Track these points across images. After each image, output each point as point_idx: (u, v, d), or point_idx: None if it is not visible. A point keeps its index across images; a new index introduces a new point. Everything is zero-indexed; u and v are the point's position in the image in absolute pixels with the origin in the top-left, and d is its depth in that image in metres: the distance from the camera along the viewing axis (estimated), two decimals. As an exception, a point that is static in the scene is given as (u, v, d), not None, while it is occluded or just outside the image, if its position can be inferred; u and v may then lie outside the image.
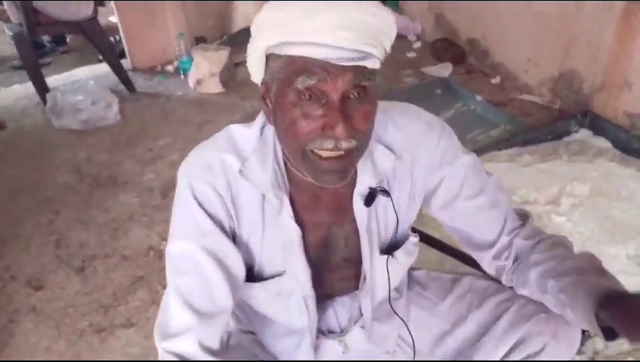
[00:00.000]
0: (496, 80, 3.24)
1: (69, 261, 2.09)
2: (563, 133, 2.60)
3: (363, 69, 0.76)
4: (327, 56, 0.73)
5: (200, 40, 3.78)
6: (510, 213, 1.03)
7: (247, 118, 3.08)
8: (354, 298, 1.08)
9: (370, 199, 0.92)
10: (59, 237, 2.22)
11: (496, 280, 1.09)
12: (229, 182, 0.88)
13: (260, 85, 0.86)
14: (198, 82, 3.35)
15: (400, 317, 1.09)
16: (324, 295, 1.04)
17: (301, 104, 0.77)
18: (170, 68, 3.72)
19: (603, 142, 2.52)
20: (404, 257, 1.03)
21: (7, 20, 3.18)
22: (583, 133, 2.60)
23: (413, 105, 1.01)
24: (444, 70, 3.31)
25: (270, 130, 0.90)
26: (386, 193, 0.93)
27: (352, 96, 0.77)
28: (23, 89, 3.49)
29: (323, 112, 0.76)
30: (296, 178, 0.90)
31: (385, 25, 0.77)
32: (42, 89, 3.21)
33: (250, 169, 0.88)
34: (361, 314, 1.08)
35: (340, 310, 1.10)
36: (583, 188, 2.16)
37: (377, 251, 0.99)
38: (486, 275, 1.12)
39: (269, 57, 0.80)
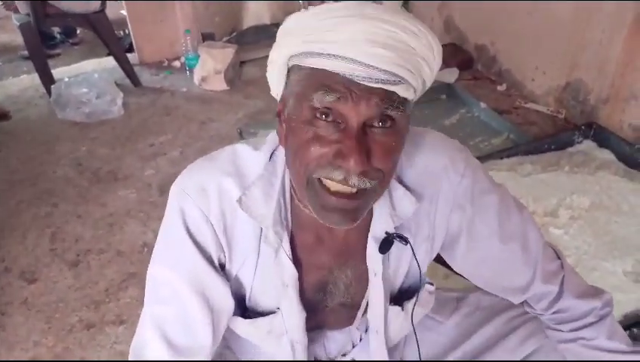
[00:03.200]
0: (502, 87, 3.21)
1: (64, 255, 2.09)
2: (566, 144, 2.56)
3: (393, 96, 0.65)
4: (353, 73, 0.63)
5: (208, 36, 3.77)
6: (544, 255, 0.92)
7: (251, 118, 3.06)
8: (344, 333, 1.02)
9: (386, 246, 0.82)
10: (55, 230, 2.23)
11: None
12: (224, 210, 0.79)
13: (278, 102, 0.77)
14: (203, 79, 3.35)
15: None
16: (313, 328, 0.96)
17: (316, 124, 0.67)
18: (177, 63, 3.72)
19: (607, 155, 2.48)
20: (418, 308, 0.93)
21: (17, 11, 3.20)
22: (587, 145, 2.56)
23: (431, 130, 0.88)
24: (450, 75, 3.29)
25: (281, 155, 0.80)
26: (405, 240, 0.82)
27: (375, 125, 0.67)
28: (30, 79, 3.52)
29: (338, 138, 0.66)
30: (301, 214, 0.81)
31: (427, 50, 0.66)
32: (48, 80, 3.22)
33: (252, 199, 0.78)
34: (353, 346, 1.03)
35: (329, 343, 1.04)
36: (582, 200, 2.13)
37: (387, 301, 0.90)
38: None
39: (290, 70, 0.71)
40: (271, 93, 0.80)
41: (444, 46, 3.35)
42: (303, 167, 0.69)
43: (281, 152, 0.80)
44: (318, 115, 0.66)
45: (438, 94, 3.14)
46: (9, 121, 3.06)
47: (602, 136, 2.54)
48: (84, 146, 2.81)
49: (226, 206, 0.79)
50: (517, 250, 0.89)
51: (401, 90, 0.66)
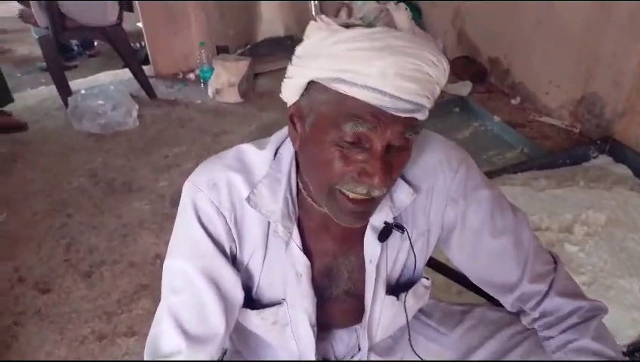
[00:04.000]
0: (516, 100, 3.19)
1: (78, 266, 2.11)
2: (582, 159, 2.54)
3: (413, 121, 0.72)
4: (383, 105, 0.68)
5: (222, 49, 3.81)
6: (535, 255, 0.94)
7: (264, 130, 3.08)
8: (351, 332, 1.05)
9: (384, 235, 0.88)
10: (70, 241, 2.25)
11: (509, 311, 1.02)
12: (234, 203, 0.84)
13: (289, 105, 0.81)
14: (217, 91, 3.38)
15: (418, 356, 1.04)
16: (321, 325, 1.00)
17: (342, 146, 0.72)
18: (191, 76, 3.76)
19: (623, 170, 2.46)
20: (413, 301, 0.98)
21: (36, 24, 3.26)
22: (603, 160, 2.54)
23: (430, 131, 0.95)
24: (463, 88, 3.28)
25: (286, 152, 0.86)
26: (402, 229, 0.88)
27: (395, 144, 0.73)
28: (48, 91, 3.58)
29: (363, 158, 0.72)
30: (307, 205, 0.86)
31: (442, 76, 0.72)
32: (65, 92, 3.27)
33: (260, 196, 0.83)
34: (359, 349, 1.05)
35: (337, 343, 1.07)
36: (598, 216, 2.10)
37: (383, 290, 0.94)
38: (498, 306, 1.06)
39: (312, 84, 0.74)
40: (280, 95, 0.82)
41: (457, 59, 3.35)
42: (326, 180, 0.75)
43: (285, 150, 0.86)
44: (346, 139, 0.72)
45: (451, 107, 3.14)
46: (26, 132, 3.11)
47: (618, 151, 2.51)
48: (99, 157, 2.84)
49: (235, 199, 0.84)
50: (507, 246, 0.92)
51: (420, 116, 0.72)
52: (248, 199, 0.83)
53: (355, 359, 1.07)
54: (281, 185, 0.84)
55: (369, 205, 0.77)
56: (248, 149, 0.88)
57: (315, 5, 3.75)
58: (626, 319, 1.69)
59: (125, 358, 1.71)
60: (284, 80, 0.79)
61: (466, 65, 3.49)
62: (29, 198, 2.52)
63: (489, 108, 3.02)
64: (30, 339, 1.80)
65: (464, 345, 1.05)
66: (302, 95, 0.76)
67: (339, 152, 0.72)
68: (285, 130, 0.87)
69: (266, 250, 0.88)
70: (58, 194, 2.55)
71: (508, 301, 0.98)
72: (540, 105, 3.08)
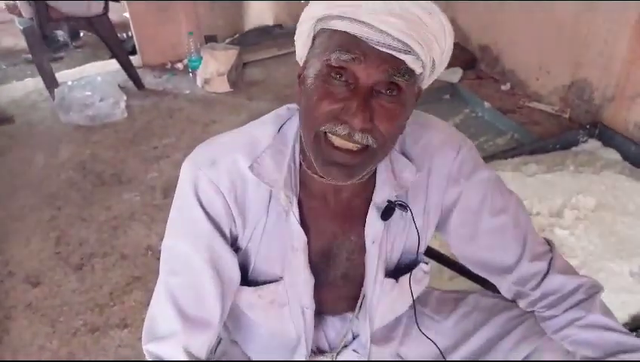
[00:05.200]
0: (506, 87, 3.19)
1: (68, 258, 2.10)
2: (571, 143, 2.55)
3: (401, 64, 0.71)
4: (369, 37, 0.69)
5: (210, 38, 3.78)
6: (533, 236, 0.95)
7: (254, 119, 3.07)
8: (344, 320, 1.04)
9: (387, 213, 0.87)
10: (59, 234, 2.23)
11: (503, 297, 1.02)
12: (234, 181, 0.84)
13: (301, 65, 0.82)
14: (206, 81, 3.35)
15: (433, 342, 1.02)
16: (315, 312, 0.99)
17: (329, 82, 0.73)
18: (179, 66, 3.72)
19: (612, 154, 2.47)
20: (413, 284, 0.96)
21: (20, 15, 3.20)
22: (592, 144, 2.55)
23: (430, 115, 0.95)
24: (453, 75, 3.27)
25: (290, 128, 0.87)
26: (405, 208, 0.87)
27: (382, 91, 0.72)
28: (34, 83, 3.52)
29: (347, 95, 0.72)
30: (308, 180, 0.86)
31: (439, 28, 0.73)
32: (51, 84, 3.23)
33: (263, 165, 0.83)
34: (353, 338, 1.04)
35: (329, 330, 1.06)
36: (588, 201, 2.11)
37: (382, 273, 0.94)
38: (492, 292, 1.07)
39: (316, 35, 0.77)
40: (296, 58, 0.84)
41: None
42: (312, 120, 0.75)
43: (290, 125, 0.87)
44: (332, 74, 0.72)
45: (441, 94, 3.13)
46: (13, 125, 3.07)
47: (607, 136, 2.53)
48: (87, 149, 2.81)
49: (235, 177, 0.84)
50: (507, 225, 0.93)
51: (409, 61, 0.71)
52: (252, 168, 0.83)
53: (349, 348, 1.06)
54: (285, 156, 0.84)
55: (355, 157, 0.75)
56: (250, 127, 0.89)
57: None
58: (616, 301, 1.70)
59: (119, 350, 1.71)
60: (296, 33, 0.81)
61: (456, 53, 3.43)
62: (17, 191, 2.50)
63: (479, 95, 3.02)
64: (22, 333, 1.78)
65: (459, 332, 1.05)
66: (309, 50, 0.79)
67: (325, 88, 0.73)
68: (287, 107, 0.89)
69: (265, 226, 0.87)
70: (47, 187, 2.52)
71: (506, 284, 0.97)
72: (529, 92, 3.08)
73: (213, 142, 0.89)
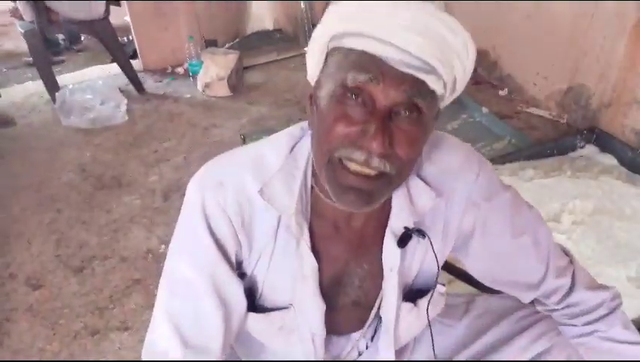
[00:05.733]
0: (504, 92, 3.22)
1: (69, 261, 2.11)
2: (569, 149, 2.57)
3: (422, 85, 0.66)
4: (388, 56, 0.64)
5: (211, 43, 3.80)
6: (554, 251, 0.93)
7: (254, 123, 3.08)
8: (349, 338, 1.01)
9: (404, 240, 0.83)
10: (60, 236, 2.24)
11: (512, 296, 1.01)
12: (242, 204, 0.80)
13: (313, 85, 0.78)
14: (207, 85, 3.37)
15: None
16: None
17: (345, 103, 0.68)
18: (180, 70, 3.75)
19: (609, 159, 2.49)
20: (430, 307, 0.92)
21: (21, 18, 3.22)
22: (589, 150, 2.57)
23: (447, 134, 0.91)
24: (452, 80, 3.29)
25: (303, 149, 0.82)
26: (423, 235, 0.82)
27: (402, 113, 0.67)
28: (34, 86, 3.55)
29: (364, 118, 0.67)
30: (320, 205, 0.82)
31: (462, 47, 0.67)
32: (52, 87, 3.25)
33: (273, 190, 0.79)
34: (359, 354, 1.02)
35: (333, 348, 1.03)
36: (585, 205, 2.13)
37: (400, 298, 0.90)
38: (500, 294, 1.05)
39: (330, 53, 0.71)
40: (307, 77, 0.79)
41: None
42: (326, 144, 0.70)
43: (302, 145, 0.82)
44: (348, 95, 0.68)
45: (440, 99, 3.14)
46: (13, 128, 3.09)
47: (604, 141, 2.54)
48: (88, 152, 2.83)
49: (243, 199, 0.80)
50: (528, 245, 0.90)
51: (431, 81, 0.67)
52: (261, 192, 0.78)
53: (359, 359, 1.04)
54: (297, 180, 0.80)
55: (371, 184, 0.70)
56: (261, 145, 0.84)
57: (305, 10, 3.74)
58: (613, 306, 1.72)
59: (119, 352, 1.71)
60: (308, 50, 0.76)
61: (454, 57, 3.50)
62: (18, 194, 2.51)
63: (477, 100, 3.04)
64: (22, 335, 1.79)
65: (472, 333, 1.05)
66: (322, 69, 0.74)
67: (340, 110, 0.68)
68: (300, 127, 0.85)
69: (273, 252, 0.83)
70: (47, 190, 2.53)
71: (529, 297, 0.97)
72: (527, 97, 3.10)
73: (221, 161, 0.84)
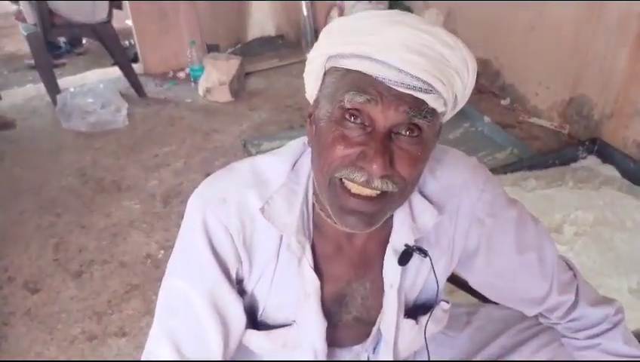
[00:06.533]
0: (506, 102, 3.22)
1: (67, 265, 2.09)
2: (570, 159, 2.57)
3: (422, 105, 0.66)
4: (386, 77, 0.65)
5: (212, 48, 3.80)
6: (558, 266, 0.93)
7: (255, 129, 3.07)
8: (351, 351, 1.01)
9: (405, 258, 0.82)
10: (58, 240, 2.23)
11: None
12: (244, 221, 0.79)
13: (312, 103, 0.78)
14: (208, 90, 3.37)
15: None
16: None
17: (344, 125, 0.68)
18: (181, 74, 3.74)
19: (611, 171, 2.49)
20: (432, 324, 0.92)
21: (24, 20, 3.22)
22: (591, 161, 2.57)
23: (450, 148, 0.90)
24: (454, 89, 3.30)
25: (304, 165, 0.81)
26: (424, 253, 0.82)
27: (402, 133, 0.67)
28: (35, 89, 3.53)
29: (364, 140, 0.67)
30: (322, 223, 0.82)
31: (461, 64, 0.67)
32: (53, 90, 3.24)
33: (274, 208, 0.78)
34: None
35: (336, 359, 1.02)
36: (587, 216, 2.13)
37: (401, 314, 0.90)
38: (502, 305, 1.04)
39: (327, 72, 0.72)
40: (305, 95, 0.80)
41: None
42: (326, 166, 0.70)
43: (304, 161, 0.81)
44: (347, 116, 0.68)
45: (441, 108, 3.15)
46: (14, 130, 3.07)
47: (606, 152, 2.54)
48: (88, 156, 2.81)
49: (245, 217, 0.79)
50: (533, 262, 0.89)
51: (431, 100, 0.66)
52: (262, 210, 0.78)
53: None
54: (298, 197, 0.79)
55: (374, 205, 0.70)
56: (263, 160, 0.83)
57: (306, 5, 3.75)
58: (615, 318, 1.71)
59: (117, 358, 1.70)
60: (306, 70, 0.77)
61: (456, 66, 3.50)
62: (17, 197, 2.49)
63: (479, 109, 3.04)
64: (19, 340, 1.78)
65: (474, 344, 1.05)
66: (320, 88, 0.74)
67: (340, 132, 0.68)
68: (303, 141, 0.84)
69: (275, 270, 0.83)
70: (46, 193, 2.52)
71: (532, 312, 0.97)
72: (529, 107, 3.11)
73: (222, 176, 0.83)
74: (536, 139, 2.85)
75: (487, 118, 2.93)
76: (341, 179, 0.70)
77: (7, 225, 2.32)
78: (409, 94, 0.65)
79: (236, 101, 3.37)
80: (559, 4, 2.71)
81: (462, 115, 3.05)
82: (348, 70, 0.68)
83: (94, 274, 2.05)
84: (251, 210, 0.79)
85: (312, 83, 0.77)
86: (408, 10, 3.99)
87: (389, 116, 0.66)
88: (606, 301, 0.97)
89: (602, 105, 2.64)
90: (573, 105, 2.82)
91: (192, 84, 3.57)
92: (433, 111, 0.68)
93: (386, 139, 0.66)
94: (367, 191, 0.69)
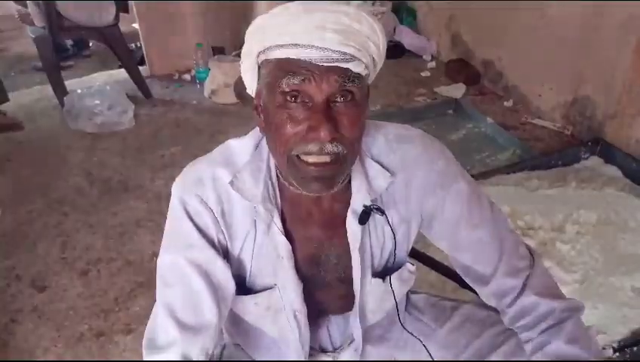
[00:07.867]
0: (509, 103, 3.23)
1: (74, 263, 2.12)
2: (573, 160, 2.58)
3: (348, 72, 0.76)
4: (312, 57, 0.74)
5: (218, 50, 3.83)
6: (512, 251, 0.96)
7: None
8: (347, 318, 1.07)
9: (364, 217, 0.90)
10: (65, 239, 2.25)
11: (495, 309, 1.03)
12: (220, 195, 0.88)
13: (254, 97, 0.87)
14: (213, 92, 3.40)
15: (417, 338, 1.06)
16: (318, 312, 1.03)
17: (287, 107, 0.77)
18: (187, 76, 3.78)
19: (613, 171, 2.49)
20: (398, 283, 1.00)
21: (32, 23, 3.26)
22: (594, 161, 2.58)
23: (412, 127, 0.99)
24: (457, 91, 3.31)
25: (264, 145, 0.90)
26: (381, 211, 0.91)
27: (338, 100, 0.77)
28: (43, 90, 3.57)
29: (308, 115, 0.76)
30: (288, 192, 0.90)
31: (371, 31, 0.77)
32: (61, 91, 3.27)
33: (242, 181, 0.88)
34: (354, 338, 1.07)
35: (333, 329, 1.10)
36: (589, 216, 2.14)
37: (370, 274, 0.97)
38: (487, 304, 1.07)
39: (261, 65, 0.81)
40: (247, 91, 0.89)
41: (451, 61, 3.38)
42: (282, 146, 0.79)
43: (264, 144, 0.90)
44: (288, 99, 0.77)
45: (445, 109, 3.17)
46: (22, 132, 3.11)
47: (609, 153, 2.55)
48: (95, 157, 2.85)
49: (221, 192, 0.89)
50: (484, 239, 0.95)
51: (353, 67, 0.76)
52: (231, 183, 0.87)
53: (351, 347, 1.09)
54: (262, 171, 0.89)
55: (330, 168, 0.79)
56: (232, 143, 0.93)
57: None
58: (617, 316, 1.72)
59: (123, 355, 1.72)
60: (242, 69, 0.86)
61: (460, 68, 3.52)
62: (25, 196, 2.53)
63: (482, 111, 3.06)
64: (27, 337, 1.80)
65: (451, 343, 1.08)
66: (258, 81, 0.83)
67: (285, 114, 0.77)
68: (260, 128, 0.91)
69: (255, 237, 0.91)
70: (54, 193, 2.55)
71: (484, 294, 1.00)
72: (532, 108, 3.12)
73: (197, 161, 0.93)
74: (539, 140, 2.87)
75: (490, 119, 2.94)
76: (298, 155, 0.79)
77: (15, 224, 2.35)
78: (335, 66, 0.75)
79: (241, 102, 3.39)
80: (562, 5, 2.73)
81: (465, 116, 3.08)
82: (278, 59, 0.77)
83: (101, 272, 2.08)
84: (225, 185, 0.88)
85: (249, 78, 0.86)
86: (412, 10, 4.02)
87: (323, 89, 0.75)
88: (560, 297, 0.96)
89: (605, 106, 2.65)
90: (576, 106, 2.83)
91: (198, 85, 3.60)
92: (359, 75, 0.78)
93: (326, 108, 0.76)
94: (322, 158, 0.78)
